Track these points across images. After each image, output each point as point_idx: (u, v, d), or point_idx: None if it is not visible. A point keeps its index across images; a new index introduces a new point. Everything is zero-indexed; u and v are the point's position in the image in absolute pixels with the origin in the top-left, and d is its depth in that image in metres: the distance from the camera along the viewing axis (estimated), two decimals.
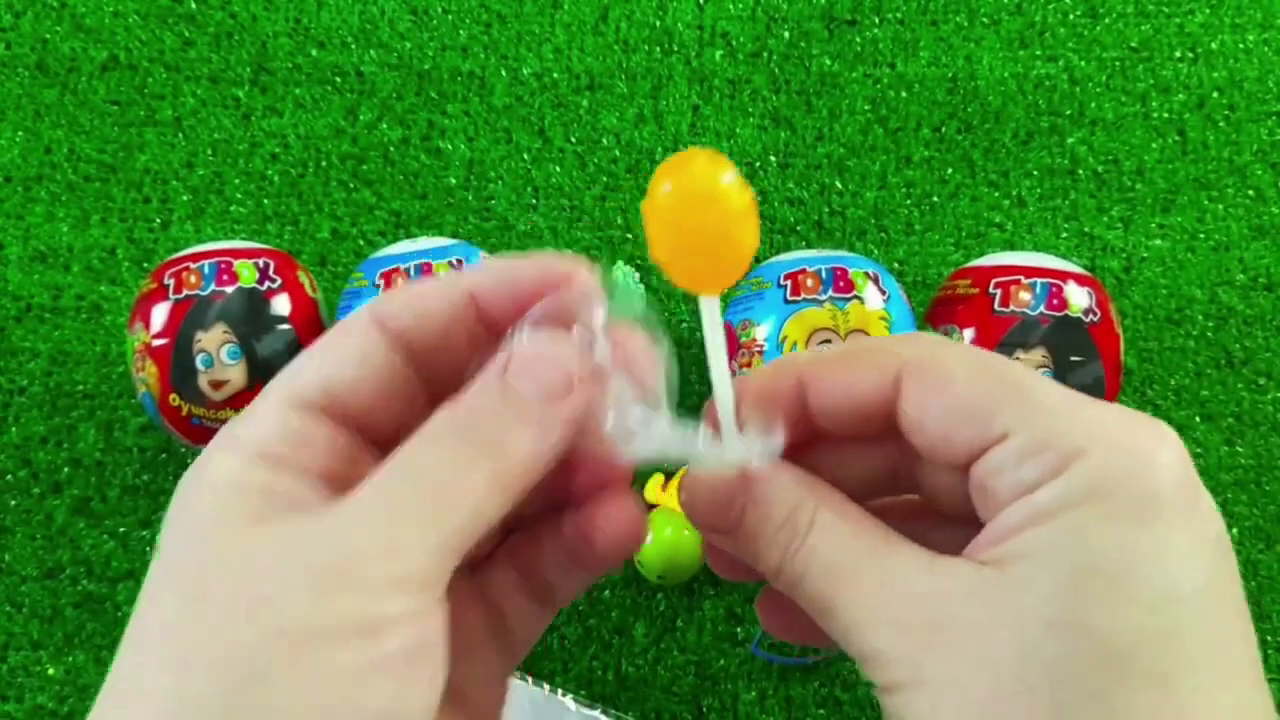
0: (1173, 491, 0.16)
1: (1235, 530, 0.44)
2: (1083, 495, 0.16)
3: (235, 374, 0.38)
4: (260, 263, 0.40)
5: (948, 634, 0.16)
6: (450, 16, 0.52)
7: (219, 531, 0.15)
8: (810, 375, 0.19)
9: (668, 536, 0.40)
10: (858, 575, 0.17)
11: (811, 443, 0.19)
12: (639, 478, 0.44)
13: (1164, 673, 0.15)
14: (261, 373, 0.39)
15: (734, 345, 0.40)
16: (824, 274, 0.39)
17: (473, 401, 0.16)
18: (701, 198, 0.17)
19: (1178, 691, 0.15)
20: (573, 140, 0.50)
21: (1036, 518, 0.16)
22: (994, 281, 0.40)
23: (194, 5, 0.52)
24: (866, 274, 0.39)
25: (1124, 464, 0.16)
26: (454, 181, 0.49)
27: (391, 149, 0.49)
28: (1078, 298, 0.39)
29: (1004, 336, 0.38)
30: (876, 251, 0.48)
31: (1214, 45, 0.51)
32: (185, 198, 0.48)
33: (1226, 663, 0.16)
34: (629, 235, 0.48)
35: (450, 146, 0.49)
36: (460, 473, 0.16)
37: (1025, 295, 0.39)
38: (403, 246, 0.41)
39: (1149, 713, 0.15)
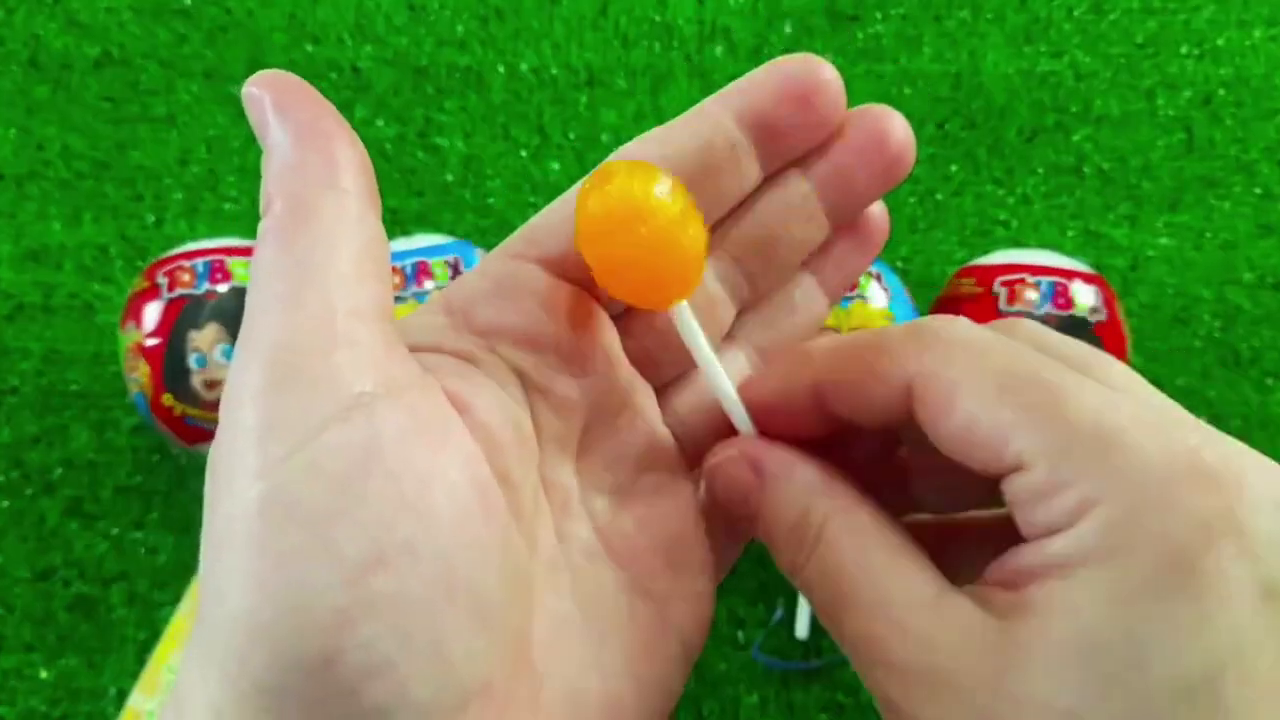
0: (1203, 552, 0.13)
1: None
2: (1095, 552, 0.14)
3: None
4: None
5: (946, 691, 0.14)
6: (447, 11, 0.51)
7: None
8: (823, 384, 0.17)
9: None
10: (860, 603, 0.16)
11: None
12: None
13: None
14: None
15: None
16: None
17: None
18: (626, 220, 0.16)
19: None
20: (571, 137, 0.49)
21: (1048, 569, 0.14)
22: (999, 280, 0.39)
23: (188, 1, 0.51)
24: (870, 272, 0.39)
25: (1145, 517, 0.13)
26: (451, 178, 0.48)
27: (388, 145, 0.49)
28: (1084, 296, 0.38)
29: None
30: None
31: (1220, 42, 0.51)
32: (178, 195, 0.48)
33: None
34: None
35: (447, 143, 0.49)
36: None
37: (1031, 294, 0.38)
38: (399, 244, 0.41)
39: None
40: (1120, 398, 0.15)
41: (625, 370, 0.19)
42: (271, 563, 0.13)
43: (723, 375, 0.18)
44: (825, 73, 0.18)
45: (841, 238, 0.20)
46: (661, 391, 0.20)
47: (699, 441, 0.20)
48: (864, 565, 0.16)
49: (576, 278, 0.18)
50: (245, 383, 0.14)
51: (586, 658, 0.17)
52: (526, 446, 0.17)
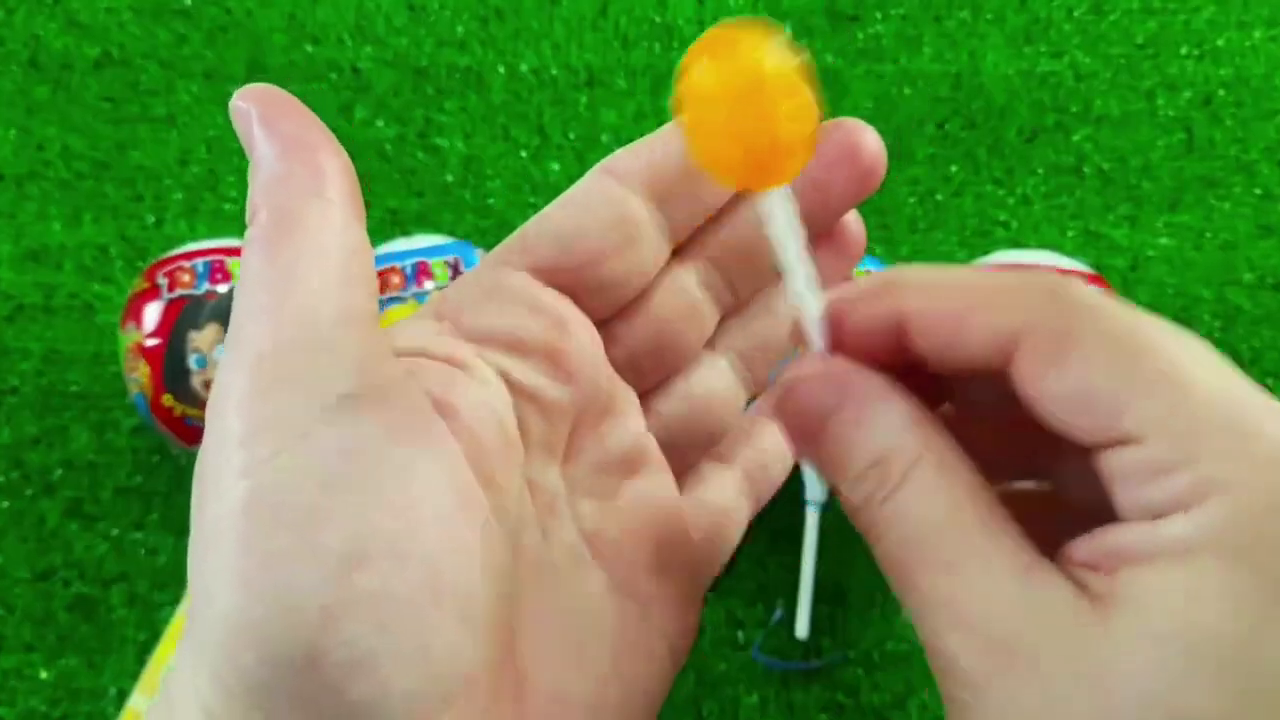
0: None
1: None
2: (1215, 544, 0.13)
3: None
4: None
5: (1025, 666, 0.13)
6: (447, 12, 0.51)
7: None
8: (912, 314, 0.16)
9: None
10: (942, 561, 0.14)
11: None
12: None
13: None
14: None
15: None
16: None
17: None
18: (740, 90, 0.14)
19: None
20: (571, 137, 0.49)
21: (1156, 554, 0.13)
22: None
23: (188, 1, 0.51)
24: (869, 271, 0.39)
25: (1274, 509, 0.12)
26: (451, 179, 0.48)
27: (387, 146, 0.49)
28: None
29: None
30: (880, 249, 0.47)
31: (1220, 42, 0.51)
32: (178, 195, 0.48)
33: None
34: None
35: (447, 143, 0.49)
36: None
37: None
38: (398, 244, 0.41)
39: None
40: (1235, 378, 0.14)
41: (609, 376, 0.19)
42: (257, 562, 0.14)
43: (803, 279, 0.17)
44: None
45: (818, 247, 0.20)
46: (644, 397, 0.20)
47: (682, 447, 0.20)
48: (953, 517, 0.15)
49: (563, 285, 0.18)
50: (231, 389, 0.15)
51: (570, 658, 0.17)
52: (512, 449, 0.17)
